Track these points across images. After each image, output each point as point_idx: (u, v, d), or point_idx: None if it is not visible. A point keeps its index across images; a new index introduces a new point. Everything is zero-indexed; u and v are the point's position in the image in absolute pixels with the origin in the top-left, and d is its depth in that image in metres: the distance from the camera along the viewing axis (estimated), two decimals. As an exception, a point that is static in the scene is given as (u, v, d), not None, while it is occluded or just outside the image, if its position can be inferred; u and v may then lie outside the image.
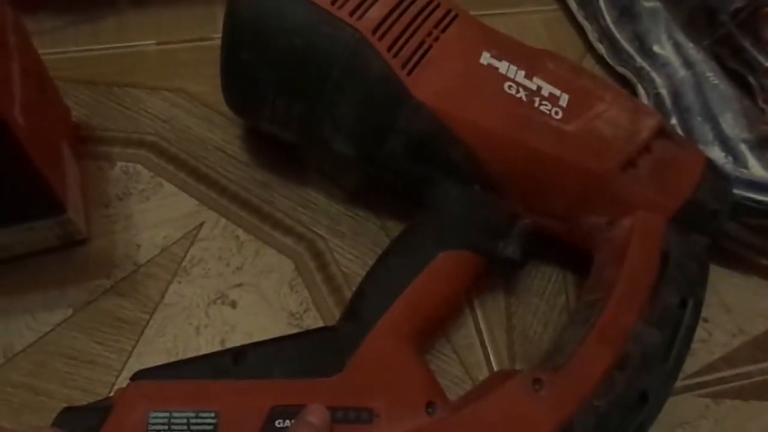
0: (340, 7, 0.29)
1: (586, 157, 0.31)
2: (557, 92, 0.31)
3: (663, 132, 0.33)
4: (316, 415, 0.27)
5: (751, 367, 0.35)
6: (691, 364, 0.35)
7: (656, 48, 0.42)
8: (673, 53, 0.42)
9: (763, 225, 0.36)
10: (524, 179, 0.31)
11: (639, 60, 0.42)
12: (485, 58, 0.31)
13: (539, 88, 0.31)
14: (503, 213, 0.32)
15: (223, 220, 0.35)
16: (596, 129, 0.31)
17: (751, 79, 0.41)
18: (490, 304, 0.35)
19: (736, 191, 0.36)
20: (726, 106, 0.39)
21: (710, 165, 0.34)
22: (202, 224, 0.35)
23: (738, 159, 0.37)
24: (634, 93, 0.43)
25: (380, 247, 0.33)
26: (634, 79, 0.43)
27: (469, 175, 0.31)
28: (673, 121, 0.40)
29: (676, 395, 0.33)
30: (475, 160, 0.30)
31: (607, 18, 0.44)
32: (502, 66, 0.31)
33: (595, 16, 0.45)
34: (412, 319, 0.29)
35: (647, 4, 0.43)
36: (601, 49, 0.45)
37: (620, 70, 0.44)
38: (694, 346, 0.35)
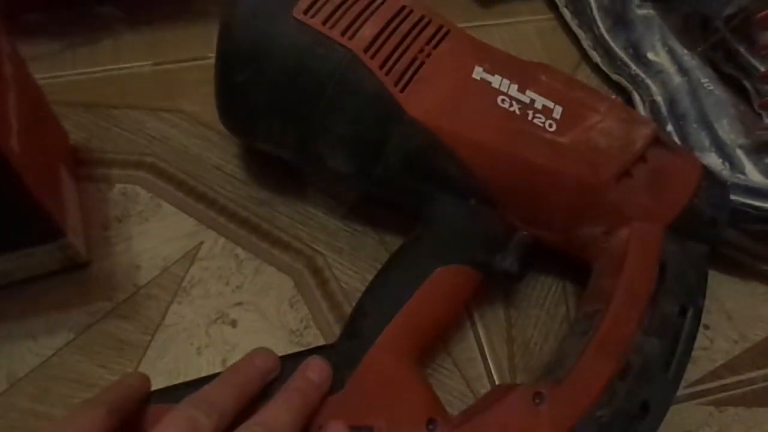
0: (332, 27, 0.29)
1: (581, 168, 0.31)
2: (551, 104, 0.31)
3: (658, 141, 0.33)
4: (316, 371, 0.27)
5: (754, 374, 0.35)
6: (693, 372, 0.34)
7: (651, 55, 0.42)
8: (667, 60, 0.42)
9: (762, 230, 0.36)
10: (520, 192, 0.31)
11: (634, 67, 0.43)
12: (478, 73, 0.31)
13: (532, 101, 0.31)
14: (500, 226, 0.32)
15: (222, 239, 0.35)
16: (591, 140, 0.31)
17: (747, 84, 0.41)
18: (490, 317, 0.35)
19: (733, 197, 0.36)
20: (722, 112, 0.39)
21: (707, 172, 0.34)
22: (201, 244, 0.35)
23: (735, 165, 0.37)
24: (629, 101, 0.43)
25: (379, 261, 0.34)
26: (630, 87, 0.43)
27: (464, 189, 0.31)
28: (669, 128, 0.40)
29: (679, 404, 0.33)
30: (470, 174, 0.31)
31: (601, 26, 0.44)
32: (495, 80, 0.31)
33: (589, 25, 0.45)
34: (411, 335, 0.29)
35: (641, 12, 0.43)
36: (595, 57, 0.45)
37: (615, 78, 0.44)
38: (695, 353, 0.35)
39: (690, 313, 0.31)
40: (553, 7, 0.48)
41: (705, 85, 0.40)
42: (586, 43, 0.45)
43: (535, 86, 0.31)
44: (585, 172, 0.31)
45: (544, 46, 0.47)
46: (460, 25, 0.47)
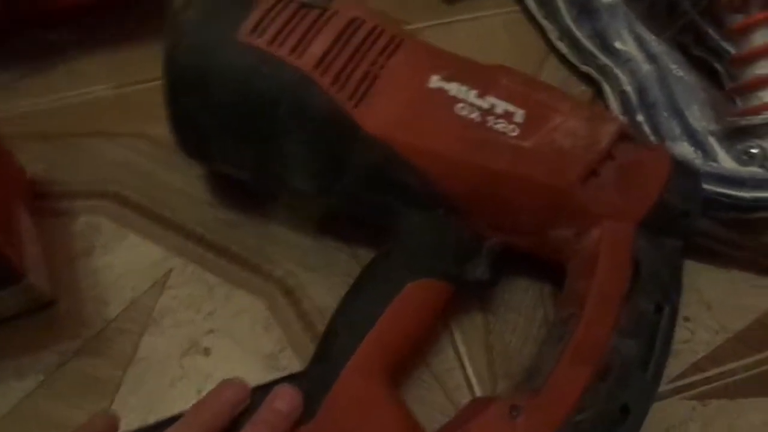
0: (280, 46, 0.28)
1: (546, 172, 0.30)
2: (512, 108, 0.30)
3: (625, 136, 0.32)
4: (285, 399, 0.26)
5: (736, 364, 0.34)
6: (674, 366, 0.34)
7: (618, 44, 0.41)
8: (635, 48, 0.41)
9: (736, 218, 0.36)
10: (486, 200, 0.31)
11: (602, 58, 0.42)
12: (434, 82, 0.30)
13: (493, 106, 0.30)
14: (470, 235, 0.31)
15: (191, 265, 0.35)
16: (555, 142, 0.30)
17: (718, 66, 0.41)
18: (467, 324, 0.35)
19: (706, 186, 0.35)
20: (692, 98, 0.38)
21: (677, 164, 0.33)
22: (170, 271, 0.35)
23: (707, 152, 0.37)
24: (599, 92, 0.42)
25: (353, 277, 0.33)
26: (599, 78, 0.42)
27: (429, 201, 0.30)
28: (640, 117, 0.39)
29: (661, 400, 0.33)
30: (433, 186, 0.30)
31: (566, 16, 0.43)
32: (452, 88, 0.30)
33: (554, 16, 0.44)
34: (384, 355, 0.29)
35: (606, 0, 0.42)
36: (563, 48, 0.44)
37: (584, 69, 0.43)
38: (677, 347, 0.35)
39: (666, 311, 0.31)
40: (518, -2, 0.47)
41: (674, 71, 0.39)
42: (553, 35, 0.44)
43: (494, 91, 0.31)
44: (551, 175, 0.30)
45: (511, 40, 0.46)
46: (424, 24, 0.46)
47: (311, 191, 0.32)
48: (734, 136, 0.36)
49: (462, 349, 0.34)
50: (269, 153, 0.30)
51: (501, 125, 0.30)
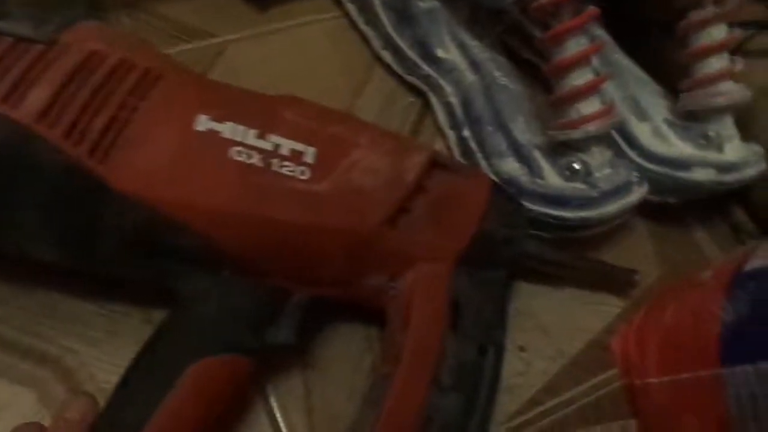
0: (-11, 94, 0.23)
1: (345, 218, 0.27)
2: (300, 147, 0.26)
3: (437, 164, 0.29)
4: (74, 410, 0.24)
5: (573, 392, 0.33)
6: (510, 404, 0.32)
7: (440, 52, 0.38)
8: (459, 56, 0.38)
9: (564, 237, 0.34)
10: (280, 255, 0.26)
11: (425, 68, 0.39)
12: (202, 123, 0.25)
13: (277, 146, 0.26)
14: (267, 295, 0.27)
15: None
16: (353, 181, 0.27)
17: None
18: (283, 386, 0.30)
19: (533, 207, 0.33)
20: (517, 109, 0.36)
21: (496, 189, 0.31)
22: None
23: (533, 169, 0.34)
24: (427, 103, 0.39)
25: (146, 346, 0.28)
26: (425, 89, 0.39)
27: (211, 262, 0.26)
28: (466, 133, 0.37)
29: (498, 445, 0.31)
30: (213, 245, 0.25)
31: (387, 24, 0.40)
32: (226, 129, 0.25)
33: (375, 23, 0.41)
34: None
35: (424, 5, 0.39)
36: (387, 57, 0.41)
37: (409, 79, 0.40)
38: (512, 381, 0.33)
39: (490, 352, 0.29)
40: (339, 2, 0.43)
41: (498, 79, 0.37)
42: (376, 43, 0.41)
43: (278, 128, 0.26)
44: (351, 220, 0.27)
45: (334, 49, 0.42)
46: (233, 37, 0.41)
47: (64, 262, 0.26)
48: (557, 150, 0.34)
49: (279, 416, 0.30)
50: (1, 223, 0.24)
51: (288, 168, 0.26)
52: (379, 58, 0.41)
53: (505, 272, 0.31)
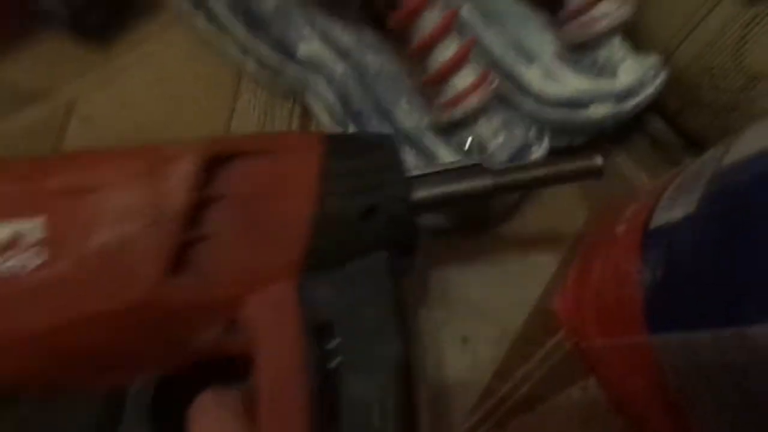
0: None
1: (110, 290, 0.21)
2: (19, 226, 0.21)
3: (234, 156, 0.23)
4: None
5: (524, 370, 0.32)
6: (465, 401, 0.31)
7: (303, 47, 0.35)
8: (324, 49, 0.35)
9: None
10: (69, 362, 0.22)
11: (292, 68, 0.35)
12: None
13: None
14: (96, 403, 0.23)
15: None
16: (102, 241, 0.21)
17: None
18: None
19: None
20: (398, 93, 0.33)
21: (333, 145, 0.25)
22: None
23: (427, 153, 0.32)
24: (306, 114, 0.36)
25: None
26: (299, 89, 0.36)
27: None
28: (352, 129, 0.34)
29: (462, 449, 0.30)
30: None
31: (239, 30, 0.36)
32: None
33: (227, 31, 0.37)
34: None
35: (269, 4, 0.35)
36: (250, 66, 0.37)
37: (280, 83, 0.37)
38: (462, 377, 0.32)
39: (392, 373, 0.22)
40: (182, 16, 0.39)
41: (371, 66, 0.34)
42: (235, 52, 0.37)
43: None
44: (118, 293, 0.21)
45: (194, 71, 0.38)
46: (81, 86, 0.37)
47: None
48: (446, 129, 0.32)
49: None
50: None
51: (13, 261, 0.21)
52: (244, 69, 0.38)
53: (386, 253, 0.24)
